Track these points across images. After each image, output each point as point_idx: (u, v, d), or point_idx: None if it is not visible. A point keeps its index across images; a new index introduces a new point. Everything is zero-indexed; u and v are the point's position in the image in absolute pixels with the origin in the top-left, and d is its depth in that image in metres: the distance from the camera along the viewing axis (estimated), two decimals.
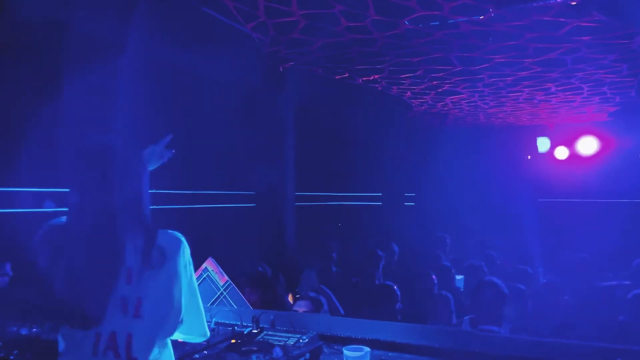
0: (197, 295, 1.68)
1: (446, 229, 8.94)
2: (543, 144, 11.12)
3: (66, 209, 1.61)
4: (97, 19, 4.72)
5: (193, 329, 1.69)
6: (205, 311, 2.63)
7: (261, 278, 3.29)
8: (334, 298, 4.05)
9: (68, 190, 1.61)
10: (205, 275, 2.76)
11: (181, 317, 1.58)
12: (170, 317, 1.55)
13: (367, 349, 1.86)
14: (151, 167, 1.91)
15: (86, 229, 1.52)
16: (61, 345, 1.54)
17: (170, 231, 1.62)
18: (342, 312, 4.01)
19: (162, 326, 1.54)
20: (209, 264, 2.77)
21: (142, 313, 1.50)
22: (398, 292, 4.01)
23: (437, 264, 5.64)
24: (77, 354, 1.50)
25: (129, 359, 1.48)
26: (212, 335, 2.19)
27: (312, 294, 2.88)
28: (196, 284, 1.68)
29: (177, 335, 1.67)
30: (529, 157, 11.43)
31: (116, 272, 1.49)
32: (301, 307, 2.84)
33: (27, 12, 3.87)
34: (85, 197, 1.55)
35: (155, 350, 1.53)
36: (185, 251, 1.61)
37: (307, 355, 1.98)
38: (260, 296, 3.09)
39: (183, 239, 1.62)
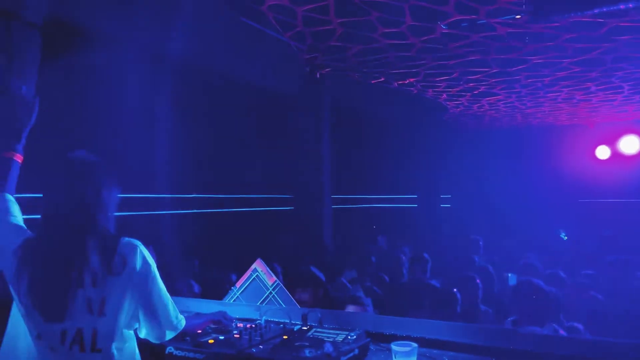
0: (158, 294, 1.82)
1: (482, 230, 8.88)
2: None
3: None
4: (135, 27, 4.91)
5: (160, 322, 1.84)
6: (255, 309, 2.78)
7: (313, 278, 3.40)
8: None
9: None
10: (254, 276, 2.89)
11: (133, 314, 1.78)
12: (123, 314, 1.74)
13: (415, 344, 1.94)
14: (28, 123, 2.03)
15: (49, 237, 1.71)
16: (33, 331, 1.69)
17: (129, 239, 1.78)
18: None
19: (121, 322, 1.74)
20: (258, 265, 2.90)
21: (105, 311, 1.70)
22: (459, 296, 3.95)
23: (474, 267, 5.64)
24: (47, 345, 1.68)
25: (93, 350, 1.69)
26: (264, 331, 2.33)
27: (359, 294, 2.96)
28: (159, 284, 1.83)
29: (144, 332, 1.85)
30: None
31: (72, 277, 1.66)
32: (349, 309, 2.93)
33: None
34: (50, 205, 1.74)
35: (117, 342, 1.74)
36: (140, 256, 1.76)
37: (356, 351, 2.08)
38: (311, 296, 3.20)
39: (139, 245, 1.78)
